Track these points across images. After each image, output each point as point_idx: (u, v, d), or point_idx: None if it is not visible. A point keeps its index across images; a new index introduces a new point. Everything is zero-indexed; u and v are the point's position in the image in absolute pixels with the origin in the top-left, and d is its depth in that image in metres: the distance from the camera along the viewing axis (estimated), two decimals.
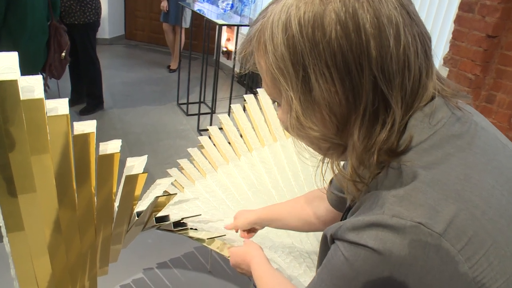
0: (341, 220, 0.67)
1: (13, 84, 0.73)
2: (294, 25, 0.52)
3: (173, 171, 1.68)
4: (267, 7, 0.58)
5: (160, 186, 1.08)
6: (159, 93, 4.68)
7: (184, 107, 4.29)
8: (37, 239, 0.92)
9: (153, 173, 2.77)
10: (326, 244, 0.63)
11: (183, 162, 1.71)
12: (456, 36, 2.63)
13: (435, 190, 0.50)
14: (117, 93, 4.44)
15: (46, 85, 2.70)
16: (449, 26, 2.78)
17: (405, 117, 0.55)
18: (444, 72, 2.70)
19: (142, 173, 0.90)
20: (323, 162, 0.63)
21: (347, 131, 0.55)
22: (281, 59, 0.54)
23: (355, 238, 0.52)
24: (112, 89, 4.50)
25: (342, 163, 0.66)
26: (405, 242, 0.49)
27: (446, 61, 2.70)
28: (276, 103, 0.63)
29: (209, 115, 4.00)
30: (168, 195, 0.94)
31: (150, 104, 4.31)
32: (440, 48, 3.02)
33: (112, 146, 0.92)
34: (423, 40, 0.54)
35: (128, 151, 3.30)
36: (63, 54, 2.83)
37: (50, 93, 3.26)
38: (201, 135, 1.76)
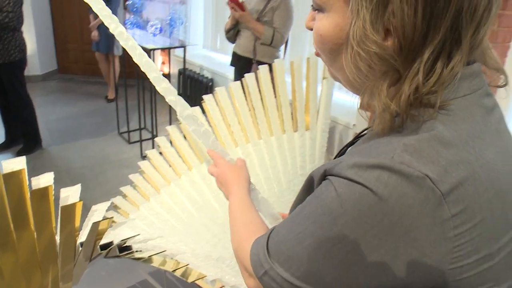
0: (336, 156, 0.68)
1: None
2: None
3: (117, 199, 1.69)
4: None
5: (97, 212, 1.09)
6: (98, 124, 4.61)
7: (125, 135, 4.25)
8: None
9: None
10: (310, 185, 0.63)
11: (126, 189, 1.72)
12: None
13: (449, 152, 0.49)
14: (54, 129, 4.34)
15: None
16: None
17: (464, 58, 0.52)
18: None
19: (78, 201, 0.92)
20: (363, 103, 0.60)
21: (411, 61, 0.51)
22: None
23: (355, 176, 0.50)
24: (49, 126, 4.39)
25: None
26: (406, 190, 0.47)
27: None
28: (319, 12, 0.59)
29: (151, 141, 4.00)
30: (106, 219, 0.96)
31: (90, 137, 4.24)
32: None
33: (45, 180, 0.94)
34: None
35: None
36: None
37: None
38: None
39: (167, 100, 1.16)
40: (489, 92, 0.57)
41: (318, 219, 0.54)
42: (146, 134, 4.17)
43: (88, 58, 6.39)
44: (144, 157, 3.76)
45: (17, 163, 0.93)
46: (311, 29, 0.62)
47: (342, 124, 3.12)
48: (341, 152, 0.71)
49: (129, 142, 4.15)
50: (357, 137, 0.65)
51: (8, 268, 0.92)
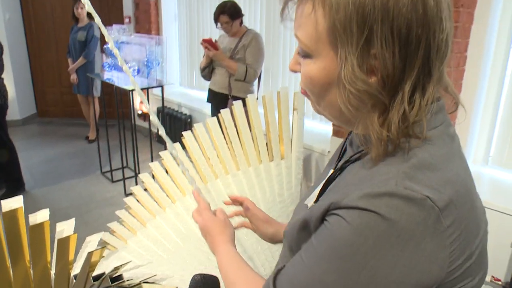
0: (328, 181, 0.74)
1: None
2: None
3: (105, 235, 1.77)
4: None
5: (91, 243, 1.18)
6: (81, 165, 4.67)
7: (108, 174, 4.31)
8: None
9: None
10: (305, 229, 0.68)
11: (114, 225, 1.80)
12: None
13: (436, 175, 0.58)
14: (37, 172, 4.38)
15: None
16: None
17: (435, 91, 0.62)
18: None
19: (73, 234, 1.02)
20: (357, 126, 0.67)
21: (395, 94, 0.60)
22: (349, 18, 0.57)
23: (366, 205, 0.56)
24: (31, 169, 4.43)
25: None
26: (412, 210, 0.55)
27: None
28: (307, 58, 0.66)
29: (133, 178, 4.06)
30: (100, 248, 1.05)
31: (73, 178, 4.29)
32: None
33: (41, 216, 1.03)
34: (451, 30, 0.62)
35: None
36: None
37: None
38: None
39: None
40: (451, 123, 0.68)
41: (339, 254, 0.59)
42: (128, 172, 4.25)
43: (66, 101, 6.48)
44: (128, 195, 3.82)
45: (15, 202, 1.02)
46: (295, 72, 0.70)
47: (318, 152, 3.26)
48: (331, 178, 0.74)
49: (112, 181, 4.21)
50: (347, 162, 0.71)
51: None
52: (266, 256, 1.80)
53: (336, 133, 3.09)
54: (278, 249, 1.73)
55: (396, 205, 0.55)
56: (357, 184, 0.62)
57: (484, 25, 2.39)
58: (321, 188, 0.75)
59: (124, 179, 4.00)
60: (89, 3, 1.03)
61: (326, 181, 0.75)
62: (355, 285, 0.58)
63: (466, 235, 0.59)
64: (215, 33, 4.54)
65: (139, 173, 3.95)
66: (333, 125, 3.12)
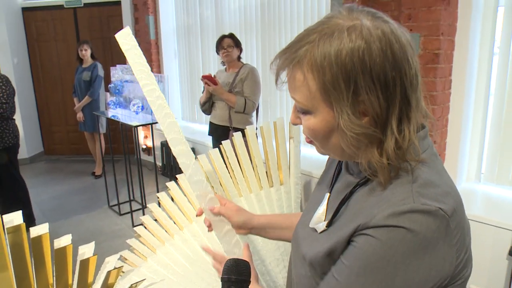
0: (343, 201, 0.82)
1: None
2: (347, 51, 0.68)
3: (118, 263, 1.87)
4: (306, 36, 0.73)
5: (109, 264, 1.29)
6: (88, 200, 4.79)
7: (115, 208, 4.43)
8: None
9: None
10: (330, 255, 0.77)
11: (125, 253, 1.91)
12: None
13: (438, 190, 0.71)
14: (47, 208, 4.50)
15: None
16: None
17: (416, 121, 0.74)
18: None
19: (93, 255, 1.13)
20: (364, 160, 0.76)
21: (385, 129, 0.71)
22: (336, 77, 0.68)
23: (393, 222, 0.67)
24: (41, 205, 4.55)
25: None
26: (429, 220, 0.67)
27: None
28: (306, 114, 0.76)
29: (141, 211, 4.17)
30: (118, 267, 1.16)
31: (82, 212, 4.40)
32: None
33: (64, 241, 1.15)
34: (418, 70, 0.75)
35: None
36: None
37: None
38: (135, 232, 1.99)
39: (178, 162, 1.16)
40: (433, 144, 0.81)
41: (373, 268, 0.69)
42: (135, 205, 4.36)
43: (72, 139, 6.66)
44: (136, 226, 3.93)
45: (41, 229, 1.14)
46: (296, 125, 0.81)
47: (316, 177, 3.37)
48: (346, 198, 0.81)
49: (120, 214, 4.32)
50: (356, 186, 0.80)
51: None
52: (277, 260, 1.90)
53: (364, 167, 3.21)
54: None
55: (417, 219, 0.67)
56: (377, 206, 0.71)
57: (465, 50, 2.56)
58: (335, 210, 0.82)
59: (131, 211, 4.12)
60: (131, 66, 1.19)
61: (339, 204, 0.82)
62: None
63: (463, 234, 0.72)
64: (213, 69, 4.75)
65: (145, 206, 4.06)
66: None
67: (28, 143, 6.27)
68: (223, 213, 1.14)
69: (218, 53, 3.48)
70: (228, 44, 3.38)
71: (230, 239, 1.14)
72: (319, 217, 0.85)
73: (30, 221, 3.98)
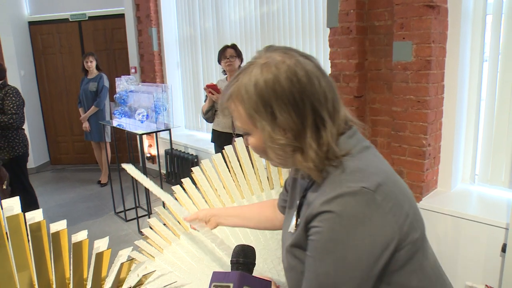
0: (302, 197, 0.99)
1: None
2: (261, 83, 0.87)
3: (131, 255, 1.97)
4: (237, 75, 0.93)
5: (122, 257, 1.38)
6: (95, 207, 4.89)
7: (122, 214, 4.52)
8: None
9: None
10: (299, 250, 0.94)
11: (133, 253, 2.00)
12: None
13: (364, 173, 0.86)
14: (54, 216, 4.60)
15: None
16: None
17: (337, 131, 0.91)
18: None
19: (107, 249, 1.23)
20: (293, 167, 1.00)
21: (303, 139, 0.88)
22: (255, 104, 0.87)
23: (327, 208, 0.83)
24: (49, 213, 4.66)
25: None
26: (357, 198, 0.81)
27: None
28: (248, 135, 0.96)
29: (146, 217, 4.26)
30: (131, 260, 1.25)
31: (89, 219, 4.51)
32: None
33: (81, 236, 1.25)
34: (332, 85, 0.92)
35: None
36: (4, 186, 3.08)
37: None
38: (142, 235, 2.08)
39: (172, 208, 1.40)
40: (364, 139, 0.97)
41: (325, 252, 0.84)
42: (141, 212, 4.46)
43: (78, 148, 6.78)
44: (141, 233, 4.02)
45: (59, 225, 1.23)
46: (248, 145, 0.99)
47: None
48: (301, 200, 1.00)
49: (126, 220, 4.42)
50: (306, 189, 0.98)
51: None
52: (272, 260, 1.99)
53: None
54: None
55: (345, 201, 0.82)
56: (316, 199, 0.87)
57: (456, 56, 2.66)
58: (296, 213, 1.00)
59: (137, 217, 4.22)
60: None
61: (297, 207, 1.01)
62: (348, 265, 0.83)
63: (398, 202, 0.85)
64: (215, 78, 4.86)
65: (151, 211, 4.16)
66: None
67: (35, 153, 6.38)
68: (191, 218, 1.53)
69: (220, 63, 3.59)
70: (231, 54, 3.50)
71: (210, 233, 1.50)
72: (293, 224, 1.02)
73: None
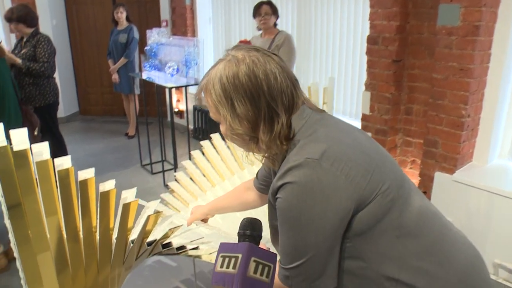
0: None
1: (25, 152, 1.01)
2: (224, 78, 0.98)
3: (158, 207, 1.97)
4: (209, 70, 1.04)
5: (149, 209, 1.37)
6: (122, 159, 4.95)
7: (148, 167, 4.56)
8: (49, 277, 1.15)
9: None
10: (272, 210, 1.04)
11: (159, 206, 2.00)
12: (370, 64, 3.12)
13: (310, 145, 0.95)
14: (82, 165, 4.64)
15: None
16: (365, 58, 3.28)
17: (289, 119, 1.00)
18: (367, 95, 3.17)
19: (135, 200, 1.21)
20: (249, 152, 1.08)
21: (258, 129, 1.00)
22: (219, 96, 0.99)
23: (280, 181, 0.94)
24: (77, 162, 4.74)
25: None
26: (304, 169, 0.91)
27: (367, 86, 3.17)
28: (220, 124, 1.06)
29: (172, 171, 4.29)
30: (158, 212, 1.24)
31: (115, 170, 4.57)
32: (362, 76, 3.52)
33: (109, 185, 1.23)
34: (292, 79, 1.02)
35: None
36: (35, 132, 3.12)
37: None
38: (167, 189, 2.07)
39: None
40: (318, 113, 1.05)
41: (288, 222, 0.95)
42: (167, 165, 4.48)
43: (107, 100, 6.82)
44: (166, 186, 4.06)
45: (88, 173, 1.21)
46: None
47: None
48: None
49: (152, 173, 4.47)
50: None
51: (73, 255, 1.17)
52: None
53: (364, 127, 3.23)
54: None
55: (294, 173, 0.92)
56: (275, 178, 0.99)
57: (508, 23, 2.49)
58: None
59: (163, 171, 4.25)
60: None
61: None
62: (310, 234, 0.93)
63: (350, 163, 0.93)
64: (248, 34, 4.74)
65: (177, 166, 4.18)
66: (361, 120, 3.27)
67: (65, 103, 6.45)
68: (190, 221, 1.62)
69: (254, 18, 3.49)
70: (266, 12, 3.38)
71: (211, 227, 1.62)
72: None
73: None
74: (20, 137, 1.10)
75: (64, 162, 1.18)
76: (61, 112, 6.30)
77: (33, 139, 3.14)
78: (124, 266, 1.35)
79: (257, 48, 1.02)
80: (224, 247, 0.89)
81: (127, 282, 1.40)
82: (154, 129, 5.50)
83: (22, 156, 1.01)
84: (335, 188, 0.90)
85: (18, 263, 1.13)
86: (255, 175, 1.49)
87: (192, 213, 1.64)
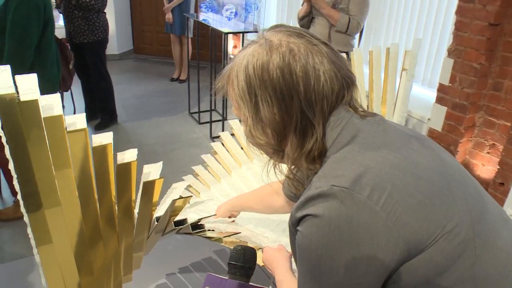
0: None
1: (34, 103, 0.80)
2: (250, 68, 0.76)
3: (188, 177, 1.74)
4: (236, 55, 0.83)
5: (176, 190, 1.14)
6: (170, 104, 4.78)
7: (195, 116, 4.38)
8: (64, 250, 0.97)
9: (169, 182, 2.81)
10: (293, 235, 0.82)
11: (198, 168, 1.77)
12: (459, 27, 2.65)
13: (339, 166, 0.71)
14: (129, 106, 4.54)
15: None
16: (452, 18, 2.81)
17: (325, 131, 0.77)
18: (449, 63, 2.73)
19: (159, 178, 0.96)
20: (274, 166, 0.87)
21: (285, 142, 0.79)
22: (242, 90, 0.77)
23: (300, 213, 0.72)
24: (124, 103, 4.60)
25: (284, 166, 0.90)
26: (328, 202, 0.67)
27: (451, 52, 2.72)
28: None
29: (220, 122, 4.08)
30: (184, 197, 1.00)
31: (162, 115, 4.41)
32: (444, 40, 3.05)
33: (129, 156, 0.98)
34: (345, 79, 0.77)
35: (143, 162, 3.37)
36: (70, 66, 2.96)
37: (65, 111, 3.36)
38: (214, 142, 1.83)
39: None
40: (349, 114, 0.78)
41: (304, 257, 0.73)
42: (216, 116, 4.26)
43: (161, 40, 6.63)
44: (213, 138, 3.84)
45: (105, 138, 0.98)
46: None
47: (416, 118, 3.01)
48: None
49: (199, 123, 4.27)
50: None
51: (90, 232, 0.99)
52: None
53: (439, 100, 2.82)
54: None
55: (316, 204, 0.69)
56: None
57: None
58: None
59: (211, 122, 4.04)
60: None
61: None
62: (324, 276, 0.70)
63: (397, 194, 0.67)
64: None
65: (226, 118, 3.94)
66: (438, 91, 2.85)
67: (119, 40, 6.32)
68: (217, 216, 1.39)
69: None
70: None
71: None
72: None
73: (112, 117, 4.04)
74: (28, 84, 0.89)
75: (77, 121, 0.96)
76: (114, 49, 6.19)
77: (68, 73, 2.98)
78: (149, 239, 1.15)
79: (302, 33, 0.78)
80: (210, 281, 0.81)
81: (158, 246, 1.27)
82: (206, 75, 5.25)
83: (31, 106, 0.81)
84: (372, 231, 0.66)
85: (25, 218, 0.96)
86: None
87: (216, 211, 1.43)
